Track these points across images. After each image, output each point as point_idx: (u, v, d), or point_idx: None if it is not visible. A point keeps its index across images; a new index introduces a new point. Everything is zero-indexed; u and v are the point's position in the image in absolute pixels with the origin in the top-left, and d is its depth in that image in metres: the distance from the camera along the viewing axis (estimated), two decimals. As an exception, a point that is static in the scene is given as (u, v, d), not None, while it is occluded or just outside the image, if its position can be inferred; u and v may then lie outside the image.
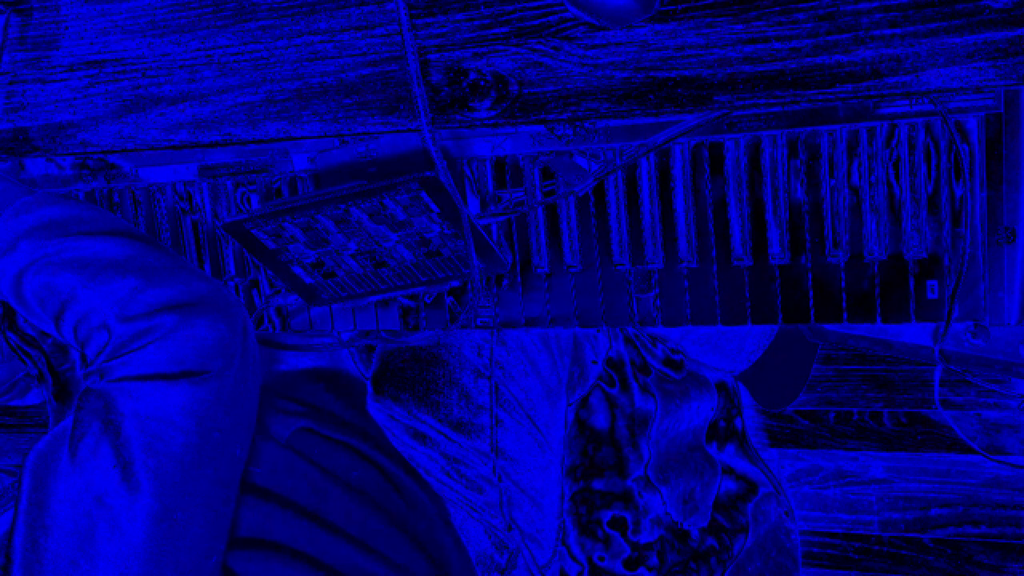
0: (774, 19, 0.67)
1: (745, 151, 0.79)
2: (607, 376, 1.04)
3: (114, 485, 0.65)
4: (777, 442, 1.44)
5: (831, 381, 1.40)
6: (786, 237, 0.80)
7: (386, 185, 0.77)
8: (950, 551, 1.39)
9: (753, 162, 0.79)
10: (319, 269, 0.86)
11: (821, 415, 1.42)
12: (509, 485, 0.96)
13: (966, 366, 0.90)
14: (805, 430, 1.42)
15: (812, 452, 1.43)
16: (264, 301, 0.95)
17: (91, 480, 0.66)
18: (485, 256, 0.84)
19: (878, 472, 1.40)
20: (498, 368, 0.95)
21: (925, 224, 0.77)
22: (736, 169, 0.80)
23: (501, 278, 0.89)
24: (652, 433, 1.05)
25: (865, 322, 0.80)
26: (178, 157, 0.92)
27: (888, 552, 1.42)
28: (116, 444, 0.66)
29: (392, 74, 0.76)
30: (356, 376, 1.09)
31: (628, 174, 0.83)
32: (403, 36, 0.74)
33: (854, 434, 1.40)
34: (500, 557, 0.98)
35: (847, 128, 0.76)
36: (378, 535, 0.86)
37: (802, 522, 1.45)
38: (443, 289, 0.90)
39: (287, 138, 0.80)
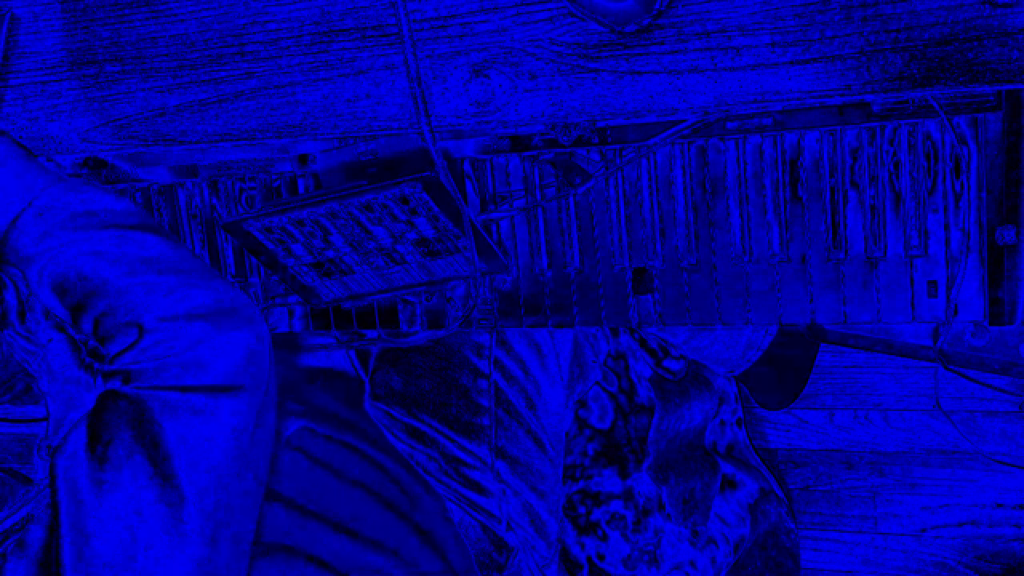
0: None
1: (745, 151, 0.79)
2: (607, 376, 1.04)
3: (155, 496, 0.64)
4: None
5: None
6: (786, 236, 0.80)
7: (386, 185, 0.77)
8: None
9: (753, 162, 0.79)
10: (319, 269, 0.86)
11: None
12: (508, 485, 0.96)
13: (966, 366, 0.90)
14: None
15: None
16: (265, 302, 0.95)
17: (129, 491, 0.64)
18: (485, 256, 0.84)
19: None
20: (498, 368, 0.95)
21: (925, 224, 0.77)
22: (736, 169, 0.80)
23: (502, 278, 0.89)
24: (652, 433, 1.05)
25: (865, 322, 0.80)
26: (178, 156, 0.92)
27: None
28: (153, 456, 0.65)
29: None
30: (355, 376, 1.09)
31: (628, 174, 0.83)
32: (403, 35, 0.74)
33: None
34: (499, 556, 0.98)
35: (847, 128, 0.76)
36: (383, 530, 0.86)
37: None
38: (443, 289, 0.90)
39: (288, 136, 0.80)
